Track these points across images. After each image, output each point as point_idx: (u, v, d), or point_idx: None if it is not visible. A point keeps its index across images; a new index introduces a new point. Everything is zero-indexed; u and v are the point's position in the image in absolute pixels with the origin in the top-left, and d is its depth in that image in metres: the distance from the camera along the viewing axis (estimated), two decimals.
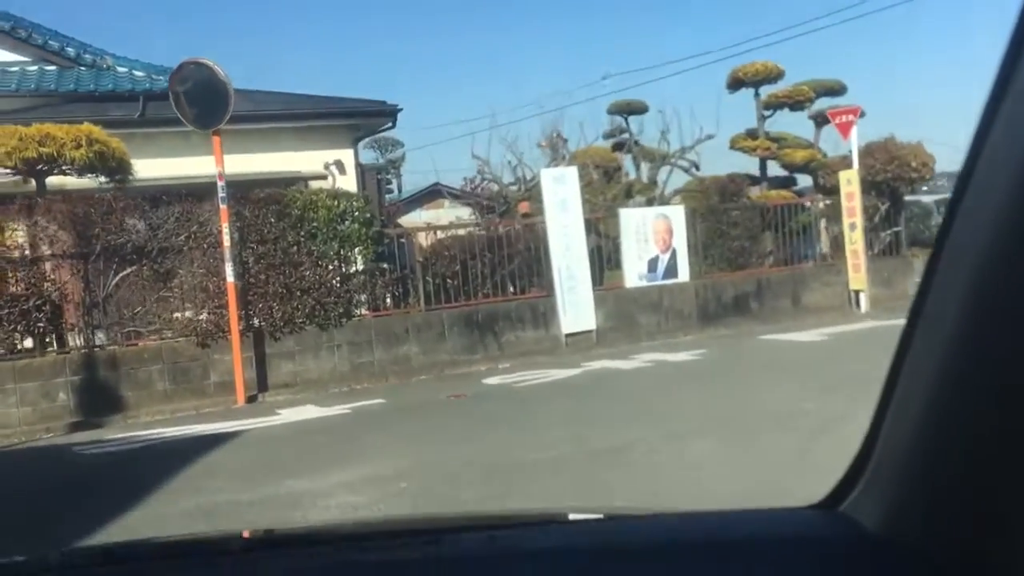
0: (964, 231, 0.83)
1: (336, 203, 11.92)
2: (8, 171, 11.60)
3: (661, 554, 1.10)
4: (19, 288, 10.30)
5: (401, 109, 17.74)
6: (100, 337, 10.89)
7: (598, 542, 1.19)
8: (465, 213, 20.83)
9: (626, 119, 21.58)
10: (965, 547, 0.88)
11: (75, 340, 10.75)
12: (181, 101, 11.28)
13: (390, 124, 18.26)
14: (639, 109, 21.32)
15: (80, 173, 11.71)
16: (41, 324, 10.46)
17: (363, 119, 17.47)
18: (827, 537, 1.09)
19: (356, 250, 12.02)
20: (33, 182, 11.79)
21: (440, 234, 13.47)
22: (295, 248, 11.66)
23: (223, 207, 10.87)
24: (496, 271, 13.27)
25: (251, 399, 11.15)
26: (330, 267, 11.92)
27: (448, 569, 1.11)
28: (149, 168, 13.71)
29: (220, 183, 10.87)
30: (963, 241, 0.83)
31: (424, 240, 13.22)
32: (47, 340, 10.68)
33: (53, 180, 11.67)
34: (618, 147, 21.34)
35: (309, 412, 10.00)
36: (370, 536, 1.37)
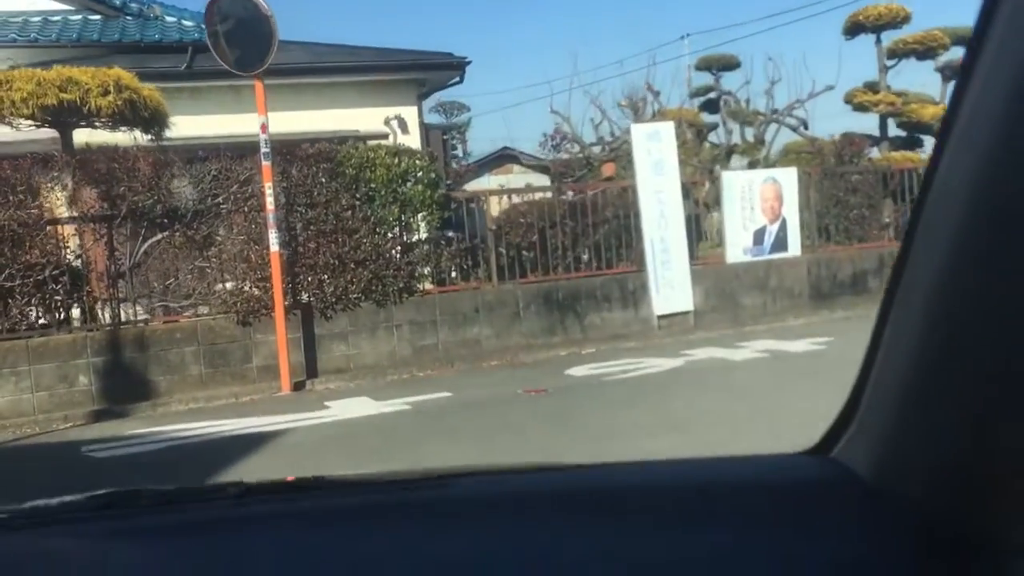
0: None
1: (397, 161, 10.29)
2: (31, 123, 10.22)
3: (650, 498, 1.11)
4: (33, 255, 8.93)
5: (470, 62, 16.13)
6: (126, 312, 9.49)
7: (585, 487, 1.20)
8: (536, 180, 19.13)
9: (716, 75, 19.54)
10: (952, 493, 0.89)
11: (98, 316, 9.36)
12: (220, 41, 9.72)
13: (457, 79, 16.63)
14: (731, 64, 19.23)
15: (111, 126, 10.29)
16: (59, 297, 9.09)
17: (428, 72, 15.87)
18: (816, 481, 1.08)
19: (419, 216, 10.39)
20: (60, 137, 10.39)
21: (516, 199, 11.73)
22: (349, 213, 10.09)
23: (266, 164, 9.33)
24: (579, 242, 11.53)
25: (298, 386, 9.67)
26: (389, 235, 10.33)
27: (440, 511, 1.11)
28: (196, 126, 12.32)
29: (263, 135, 9.32)
30: (939, 200, 0.82)
31: (496, 206, 11.51)
32: (66, 315, 9.31)
33: (84, 137, 10.28)
34: (708, 106, 19.32)
35: (363, 407, 8.44)
36: (355, 483, 1.35)
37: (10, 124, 10.21)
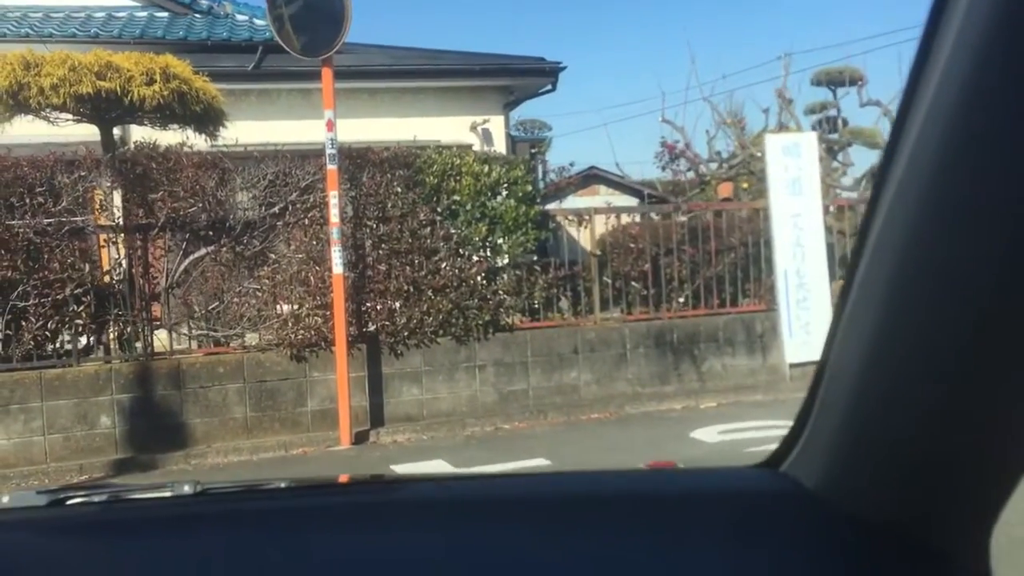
0: (890, 199, 0.82)
1: (487, 170, 8.59)
2: (69, 118, 8.83)
3: (602, 507, 1.10)
4: (52, 270, 7.45)
5: (564, 67, 14.45)
6: (161, 341, 7.94)
7: (536, 495, 1.20)
8: (623, 203, 17.31)
9: (834, 91, 17.51)
10: (897, 505, 0.92)
11: (126, 344, 7.83)
12: (284, 25, 8.18)
13: (549, 87, 14.95)
14: (854, 78, 17.17)
15: (159, 122, 8.84)
16: (80, 321, 7.58)
17: (517, 78, 14.26)
18: (765, 493, 1.09)
19: (513, 236, 8.66)
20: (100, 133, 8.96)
21: (625, 218, 9.92)
22: (428, 229, 8.42)
23: (331, 168, 7.72)
24: (698, 273, 9.66)
25: (360, 437, 7.99)
26: (474, 258, 8.62)
27: (394, 513, 1.12)
28: (264, 132, 10.89)
29: (328, 133, 7.72)
30: (891, 207, 0.81)
31: (598, 229, 9.72)
32: (89, 343, 7.81)
33: (135, 135, 8.85)
34: (823, 125, 17.28)
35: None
36: (308, 487, 1.34)
37: (46, 118, 8.82)
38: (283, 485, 1.25)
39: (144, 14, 14.91)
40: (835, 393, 0.96)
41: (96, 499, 1.20)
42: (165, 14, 15.07)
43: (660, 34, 62.43)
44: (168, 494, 1.21)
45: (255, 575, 0.98)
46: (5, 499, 1.17)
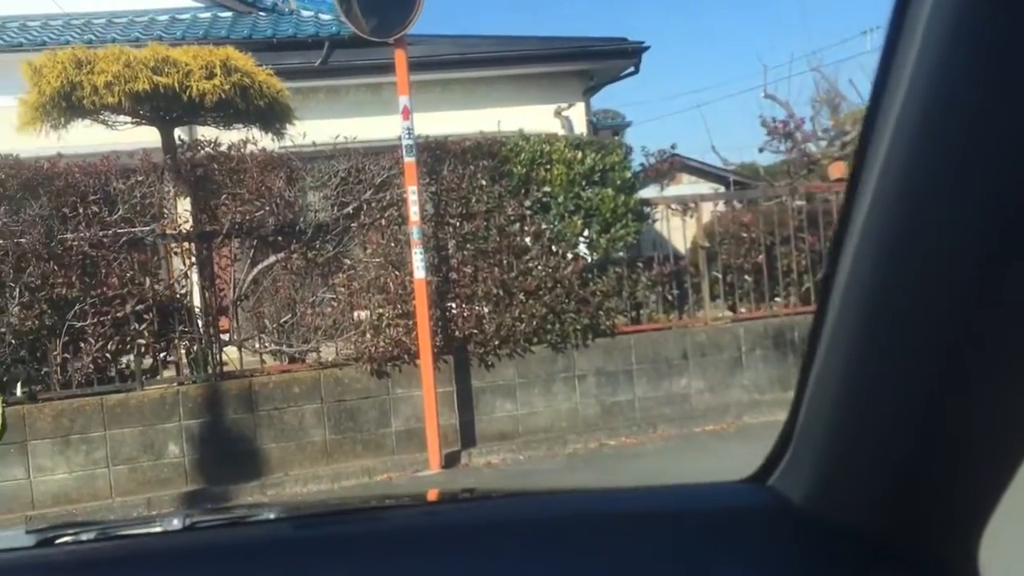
0: (864, 214, 0.82)
1: (580, 156, 7.68)
2: (127, 121, 8.21)
3: (587, 525, 1.10)
4: (111, 285, 6.80)
5: (647, 47, 13.46)
6: (230, 359, 7.24)
7: (524, 516, 1.19)
8: (706, 190, 16.19)
9: None
10: (883, 519, 0.91)
11: (193, 364, 7.15)
12: (352, 6, 7.40)
13: (632, 69, 13.95)
14: None
15: (222, 122, 8.15)
16: (143, 340, 6.91)
17: (598, 61, 13.31)
18: (752, 509, 1.09)
19: (612, 230, 7.72)
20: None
21: (714, 205, 8.87)
22: (517, 225, 7.55)
23: (409, 161, 6.90)
24: (818, 263, 8.59)
25: (450, 459, 7.17)
26: (569, 255, 7.71)
27: (386, 541, 1.11)
28: (332, 130, 10.21)
29: (404, 123, 6.91)
30: (864, 227, 0.82)
31: (698, 219, 8.71)
32: (153, 364, 7.14)
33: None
34: None
35: None
36: (305, 515, 1.34)
37: (104, 122, 8.21)
38: (272, 516, 1.25)
39: (208, 15, 14.45)
40: (819, 406, 0.96)
41: (84, 537, 1.19)
42: (229, 13, 14.60)
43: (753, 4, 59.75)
44: (158, 529, 1.22)
45: None
46: None
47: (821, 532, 0.97)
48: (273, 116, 8.38)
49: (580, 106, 13.44)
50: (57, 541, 1.16)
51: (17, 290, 6.56)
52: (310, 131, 8.74)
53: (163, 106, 7.75)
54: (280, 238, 7.23)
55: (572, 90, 13.36)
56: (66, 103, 7.47)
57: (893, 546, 0.91)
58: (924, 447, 0.83)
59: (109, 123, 8.28)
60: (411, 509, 1.36)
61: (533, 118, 12.43)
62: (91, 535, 1.19)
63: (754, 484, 1.13)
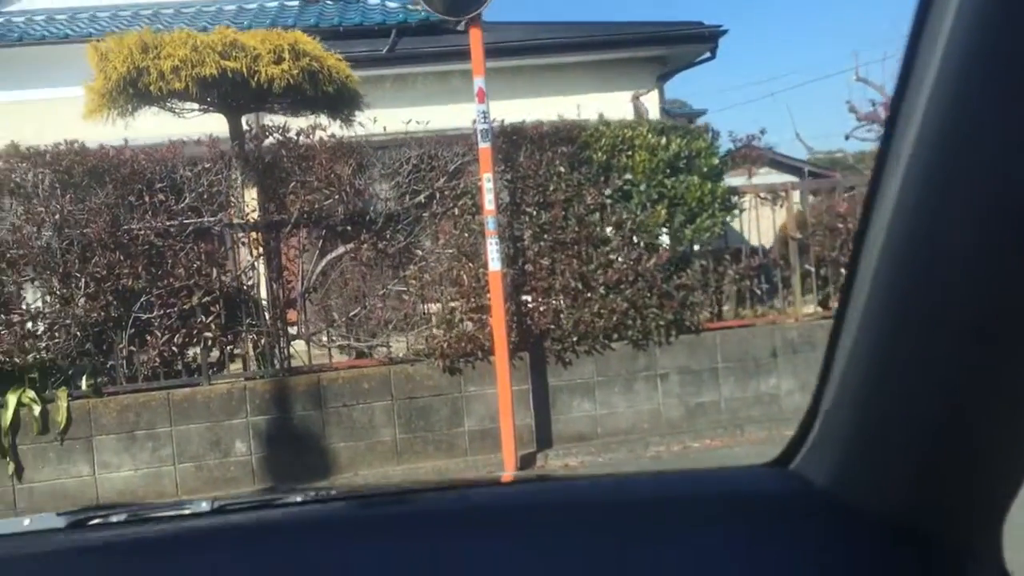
0: (890, 189, 0.82)
1: (664, 142, 7.23)
2: (195, 108, 8.02)
3: (610, 512, 1.09)
4: (177, 276, 6.57)
5: (725, 31, 12.92)
6: (297, 353, 6.97)
7: (544, 501, 1.19)
8: (780, 180, 15.49)
9: None
10: (909, 502, 0.91)
11: (260, 358, 6.89)
12: None
13: (708, 54, 13.42)
14: None
15: (290, 108, 7.90)
16: (210, 334, 6.67)
17: (672, 46, 12.80)
18: (775, 494, 1.08)
19: (698, 220, 7.25)
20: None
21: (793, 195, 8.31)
22: (597, 215, 7.14)
23: (484, 147, 6.53)
24: None
25: (525, 461, 6.79)
26: (652, 247, 7.27)
27: (411, 524, 1.12)
28: (400, 119, 9.92)
29: (480, 105, 6.54)
30: (890, 208, 0.82)
31: (788, 209, 8.17)
32: (219, 358, 6.91)
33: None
34: None
35: None
36: (331, 499, 1.31)
37: (171, 110, 8.02)
38: (299, 499, 1.25)
39: (274, 4, 14.33)
40: (843, 390, 0.95)
41: (114, 519, 1.21)
42: (295, 2, 14.47)
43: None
44: (187, 511, 1.22)
45: None
46: (26, 522, 1.20)
47: (844, 516, 0.98)
48: (341, 102, 8.10)
49: (654, 94, 12.97)
50: (88, 523, 1.18)
51: (83, 281, 6.37)
52: (378, 121, 8.45)
53: (230, 92, 7.52)
54: (349, 228, 6.93)
55: (645, 77, 12.89)
56: (132, 89, 7.28)
57: (916, 530, 0.91)
58: (949, 432, 0.83)
59: (176, 111, 8.10)
60: (439, 493, 1.36)
61: (603, 106, 12.00)
62: (121, 517, 1.21)
63: (777, 468, 1.12)
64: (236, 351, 6.91)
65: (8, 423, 6.16)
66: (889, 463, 0.92)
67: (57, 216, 6.31)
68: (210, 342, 6.69)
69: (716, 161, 7.26)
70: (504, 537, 1.04)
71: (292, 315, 7.03)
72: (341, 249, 6.95)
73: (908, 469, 0.90)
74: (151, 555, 1.06)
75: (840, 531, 0.97)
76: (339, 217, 6.86)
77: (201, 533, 1.13)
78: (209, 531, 1.13)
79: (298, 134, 6.97)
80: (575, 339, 7.06)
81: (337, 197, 6.82)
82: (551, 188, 7.04)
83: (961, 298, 0.76)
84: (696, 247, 7.36)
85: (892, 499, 0.93)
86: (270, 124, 7.17)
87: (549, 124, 7.17)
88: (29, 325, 6.36)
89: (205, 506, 1.19)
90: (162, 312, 6.52)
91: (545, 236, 7.05)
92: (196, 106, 7.99)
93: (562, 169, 7.06)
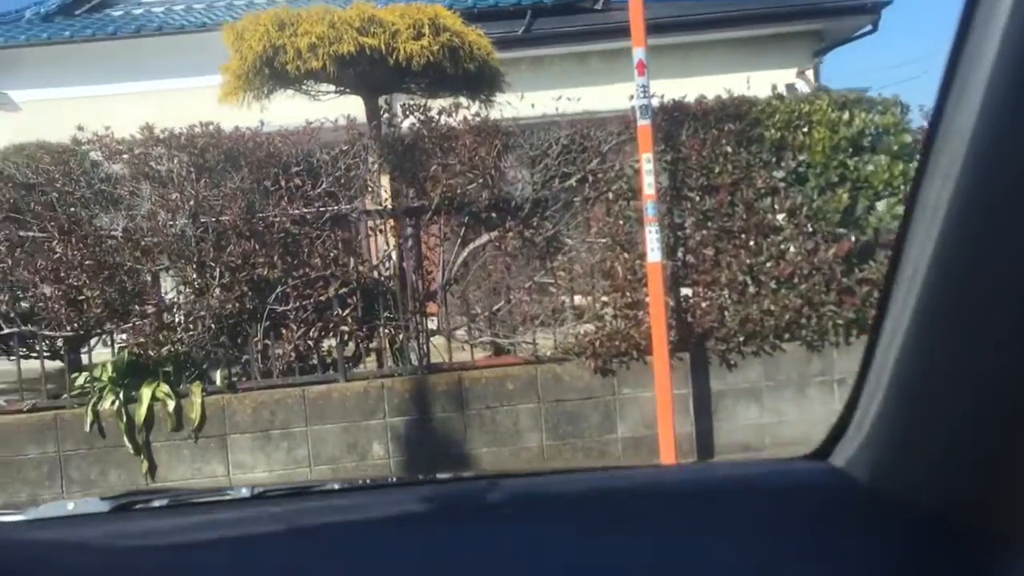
0: (934, 189, 0.82)
1: (847, 117, 6.38)
2: (331, 90, 7.67)
3: (651, 503, 1.09)
4: (313, 266, 6.17)
5: (888, 2, 11.84)
6: (437, 350, 6.49)
7: (582, 491, 1.18)
8: None
9: None
10: (950, 496, 0.89)
11: (398, 354, 6.44)
12: None
13: (869, 27, 12.36)
14: None
15: (427, 89, 7.45)
16: (346, 327, 6.25)
17: (830, 20, 11.84)
18: (814, 487, 1.07)
19: (885, 205, 6.38)
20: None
21: None
22: (769, 200, 6.36)
23: (643, 124, 5.87)
24: None
25: None
26: (831, 236, 6.44)
27: (447, 512, 1.12)
28: (534, 102, 9.39)
29: (640, 78, 5.87)
30: (934, 203, 0.82)
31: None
32: (355, 353, 6.49)
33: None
34: None
35: None
36: (363, 487, 1.38)
37: (306, 92, 7.69)
38: (337, 487, 1.28)
39: None
40: (885, 385, 0.94)
41: (156, 504, 1.22)
42: None
43: None
44: (227, 498, 1.24)
45: (301, 571, 0.96)
46: (70, 505, 1.21)
47: (884, 509, 0.95)
48: (482, 81, 7.61)
49: (809, 72, 12.02)
50: (132, 508, 1.20)
51: (218, 270, 6.04)
52: (513, 103, 7.92)
53: (367, 71, 7.11)
54: (494, 215, 6.38)
55: (800, 53, 11.98)
56: (268, 69, 6.95)
57: (957, 525, 0.88)
58: (991, 427, 0.81)
59: (311, 93, 7.76)
60: (467, 483, 1.38)
61: (757, 85, 11.14)
62: (163, 502, 1.23)
63: (815, 461, 1.11)
64: (371, 346, 6.48)
65: (143, 419, 5.89)
66: (930, 458, 0.90)
67: (192, 202, 6.00)
68: (346, 336, 6.27)
69: (908, 139, 6.36)
70: (540, 525, 1.04)
71: (431, 308, 6.56)
72: (485, 237, 6.42)
73: (949, 464, 0.88)
74: (192, 540, 1.07)
75: (879, 524, 0.95)
76: (483, 203, 6.32)
77: (240, 518, 1.14)
78: (248, 517, 1.14)
79: (439, 113, 6.46)
80: (741, 339, 6.32)
81: (481, 181, 6.28)
82: (716, 170, 6.31)
83: (1006, 297, 0.75)
84: (881, 237, 6.49)
85: (933, 493, 0.91)
86: (411, 102, 6.70)
87: (715, 99, 6.42)
88: (164, 316, 6.07)
89: (245, 492, 1.22)
90: (297, 304, 6.14)
91: (709, 224, 6.32)
92: (331, 88, 7.64)
93: (729, 149, 6.32)
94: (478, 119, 6.42)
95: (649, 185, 5.89)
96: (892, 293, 0.91)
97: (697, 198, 6.34)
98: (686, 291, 6.42)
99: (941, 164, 0.80)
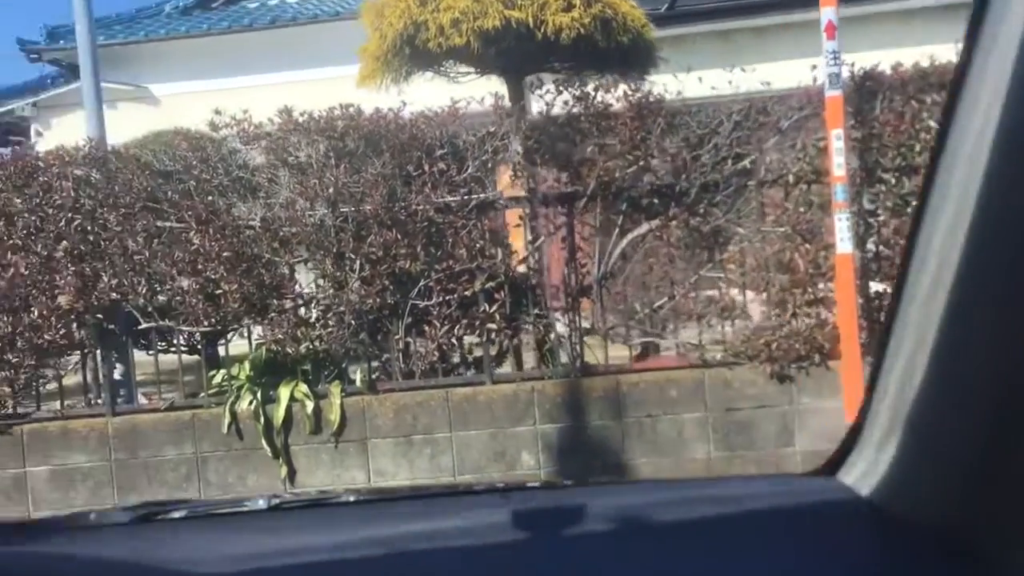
0: (940, 200, 0.81)
1: None
2: (471, 72, 7.22)
3: (653, 519, 1.09)
4: (458, 258, 5.70)
5: None
6: (591, 350, 5.91)
7: (585, 505, 1.17)
8: None
9: None
10: (958, 514, 0.89)
11: (548, 355, 5.89)
12: None
13: None
14: None
15: (574, 67, 6.88)
16: (493, 325, 5.75)
17: None
18: (821, 503, 1.07)
19: None
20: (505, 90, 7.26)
21: None
22: None
23: (833, 95, 5.12)
24: None
25: None
26: None
27: (468, 523, 1.12)
28: (676, 85, 8.73)
29: (829, 42, 5.12)
30: (941, 214, 0.81)
31: None
32: (499, 352, 5.98)
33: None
34: None
35: None
36: (381, 499, 1.40)
37: (446, 74, 7.26)
38: (352, 499, 1.30)
39: None
40: (895, 402, 0.93)
41: (176, 515, 1.24)
42: None
43: None
44: (245, 509, 1.26)
45: None
46: (92, 516, 1.26)
47: (891, 527, 0.94)
48: (635, 57, 6.99)
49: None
50: (151, 518, 1.22)
51: (357, 262, 5.63)
52: (656, 84, 7.24)
53: (513, 46, 6.60)
54: (656, 201, 5.75)
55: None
56: (409, 48, 6.52)
57: (966, 544, 0.87)
58: (1002, 446, 0.79)
59: (450, 75, 7.31)
60: (489, 495, 1.37)
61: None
62: (182, 513, 1.26)
63: (822, 477, 1.10)
64: (517, 344, 5.96)
65: (281, 420, 5.54)
66: (940, 476, 0.88)
67: (331, 189, 5.60)
68: (493, 335, 5.77)
69: None
70: (552, 539, 1.03)
71: (584, 304, 5.99)
72: (645, 227, 5.79)
73: (959, 482, 0.86)
74: (211, 550, 1.08)
75: (887, 542, 0.94)
76: (644, 188, 5.70)
77: (256, 529, 1.17)
78: (266, 528, 1.16)
79: (596, 90, 5.87)
80: None
81: (642, 164, 5.65)
82: (917, 148, 5.49)
83: (1014, 316, 0.74)
84: None
85: (942, 512, 0.89)
86: (563, 79, 6.15)
87: (914, 67, 5.60)
88: (302, 311, 5.72)
89: (262, 504, 1.23)
90: (441, 299, 5.67)
91: (907, 210, 5.51)
92: (471, 70, 7.18)
93: (932, 124, 5.48)
94: (639, 95, 5.77)
95: (839, 165, 5.15)
96: (899, 309, 0.90)
97: (893, 181, 5.54)
98: (877, 287, 5.63)
99: (959, 166, 0.77)
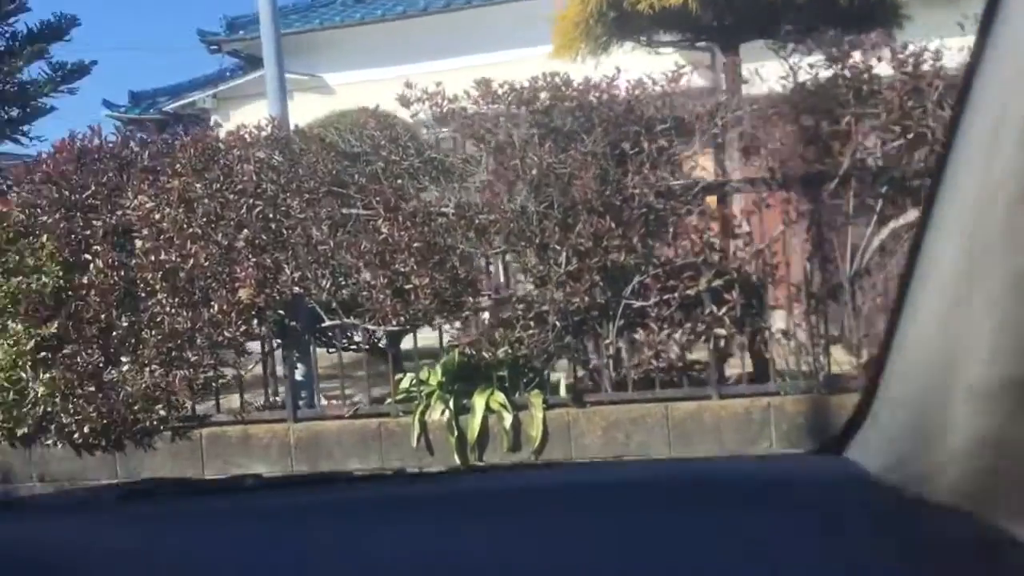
0: (956, 179, 0.81)
1: None
2: (671, 40, 6.40)
3: (660, 496, 1.07)
4: (679, 250, 4.88)
5: None
6: (836, 360, 4.96)
7: (594, 482, 1.18)
8: None
9: None
10: (966, 491, 0.87)
11: (786, 365, 4.98)
12: None
13: None
14: None
15: (801, 34, 5.95)
16: (723, 330, 4.88)
17: None
18: (827, 480, 1.05)
19: None
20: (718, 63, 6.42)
21: None
22: None
23: None
24: None
25: None
26: None
27: (454, 505, 1.12)
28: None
29: None
30: (956, 192, 0.81)
31: None
32: (721, 360, 5.11)
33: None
34: None
35: None
36: (366, 478, 1.44)
37: (647, 44, 6.47)
38: (345, 478, 1.36)
39: None
40: (899, 377, 0.93)
41: (163, 492, 1.26)
42: None
43: None
44: (242, 486, 1.30)
45: (314, 560, 0.97)
46: (79, 492, 1.32)
47: (898, 504, 0.92)
48: (876, 16, 5.99)
49: None
50: (136, 496, 1.25)
51: (564, 255, 4.90)
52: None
53: (733, 7, 5.72)
54: (927, 182, 4.73)
55: None
56: (615, 12, 5.76)
57: (974, 518, 0.85)
58: (1013, 422, 0.78)
59: (653, 45, 6.50)
60: (474, 474, 1.40)
61: None
62: (170, 490, 1.31)
63: (828, 454, 1.10)
64: (755, 352, 5.08)
65: (476, 434, 4.88)
66: (946, 448, 0.86)
67: (534, 170, 4.88)
68: (722, 341, 4.91)
69: None
70: (538, 517, 1.02)
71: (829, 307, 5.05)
72: (912, 214, 4.79)
73: (965, 455, 0.84)
74: (204, 526, 1.07)
75: (895, 520, 0.93)
76: (912, 168, 4.70)
77: (254, 508, 1.15)
78: (262, 506, 1.15)
79: (852, 51, 4.91)
80: None
81: (910, 137, 4.65)
82: None
83: None
84: None
85: (948, 485, 0.87)
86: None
87: None
88: (501, 310, 5.05)
89: (249, 484, 1.28)
90: (660, 298, 4.86)
91: None
92: (681, 36, 6.35)
93: None
94: (911, 57, 4.77)
95: None
96: (911, 281, 0.88)
97: None
98: None
99: (973, 146, 0.76)
